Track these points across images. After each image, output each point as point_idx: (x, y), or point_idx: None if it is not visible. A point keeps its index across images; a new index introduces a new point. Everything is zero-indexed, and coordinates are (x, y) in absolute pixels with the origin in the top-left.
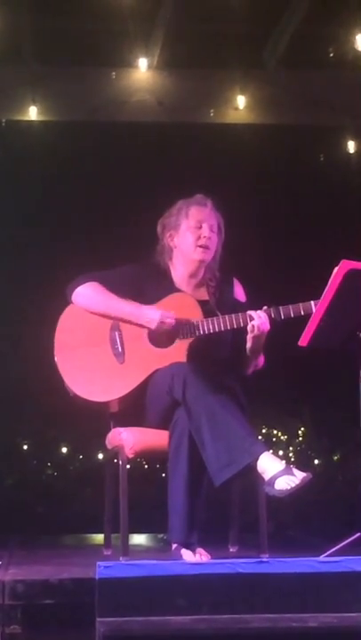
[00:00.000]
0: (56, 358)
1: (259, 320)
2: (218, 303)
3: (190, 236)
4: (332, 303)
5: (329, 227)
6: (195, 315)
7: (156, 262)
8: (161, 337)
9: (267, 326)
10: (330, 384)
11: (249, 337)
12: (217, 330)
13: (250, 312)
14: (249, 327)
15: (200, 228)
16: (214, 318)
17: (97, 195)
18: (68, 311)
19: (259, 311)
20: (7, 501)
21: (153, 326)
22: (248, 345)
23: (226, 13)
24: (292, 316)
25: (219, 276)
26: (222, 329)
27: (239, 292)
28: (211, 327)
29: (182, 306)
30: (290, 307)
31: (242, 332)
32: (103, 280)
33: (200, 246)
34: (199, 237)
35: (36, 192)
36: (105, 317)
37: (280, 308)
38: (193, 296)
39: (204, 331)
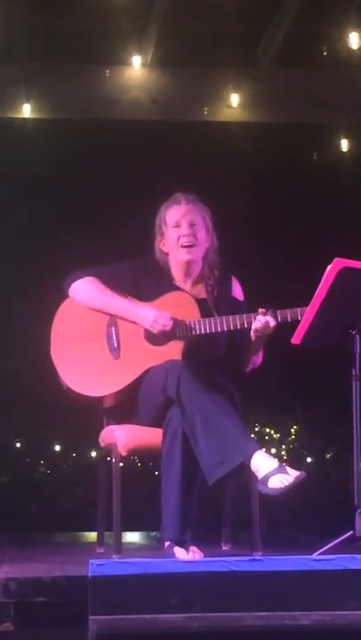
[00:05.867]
0: (52, 351)
1: (270, 322)
2: (215, 302)
3: (173, 239)
4: (326, 301)
5: (322, 225)
6: (192, 314)
7: (154, 259)
8: (157, 334)
9: (275, 323)
10: (323, 382)
11: (253, 336)
12: (214, 330)
13: (250, 315)
14: (253, 326)
15: (179, 227)
16: (212, 319)
17: (91, 192)
18: (65, 305)
19: (259, 315)
20: (0, 499)
21: (146, 325)
22: (250, 343)
23: (219, 12)
24: (289, 320)
25: (217, 274)
26: (220, 330)
27: (237, 291)
28: (208, 328)
29: (180, 304)
30: (287, 310)
31: (239, 330)
32: (101, 275)
33: (182, 246)
34: (179, 237)
35: (30, 190)
36: (101, 312)
37: (277, 311)
38: (191, 294)
39: (201, 331)
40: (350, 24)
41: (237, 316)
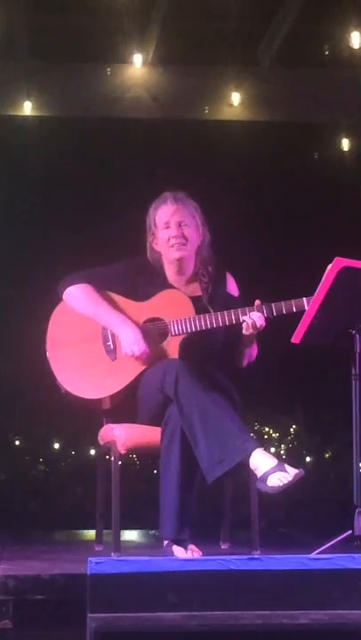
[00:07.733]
0: (48, 354)
1: (257, 320)
2: (210, 299)
3: (163, 239)
4: (326, 300)
5: (323, 224)
6: (187, 311)
7: (148, 258)
8: (153, 334)
9: (263, 323)
10: (322, 382)
11: (243, 333)
12: (209, 327)
13: (245, 309)
14: (244, 325)
15: (169, 227)
16: (206, 315)
17: (90, 191)
18: (60, 307)
19: (253, 312)
20: None
21: (122, 344)
22: (242, 339)
23: (221, 10)
24: (284, 312)
25: (211, 271)
26: (214, 326)
27: (232, 287)
28: (203, 324)
29: (174, 303)
30: (282, 303)
31: (235, 326)
32: (96, 278)
33: (172, 246)
34: (169, 238)
35: (30, 188)
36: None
37: (272, 304)
38: (185, 292)
39: (195, 328)
40: (352, 23)
41: (232, 311)
